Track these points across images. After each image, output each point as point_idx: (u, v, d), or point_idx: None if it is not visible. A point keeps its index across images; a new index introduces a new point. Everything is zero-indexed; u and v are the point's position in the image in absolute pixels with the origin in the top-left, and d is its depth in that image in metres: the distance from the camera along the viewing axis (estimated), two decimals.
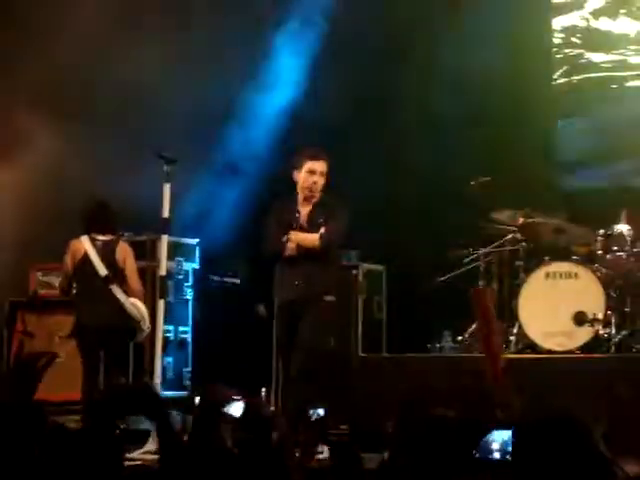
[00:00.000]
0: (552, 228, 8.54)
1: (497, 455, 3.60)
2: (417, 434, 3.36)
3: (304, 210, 7.52)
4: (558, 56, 10.18)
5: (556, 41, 10.20)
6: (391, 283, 9.54)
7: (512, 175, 8.99)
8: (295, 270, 7.40)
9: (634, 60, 9.75)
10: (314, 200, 7.50)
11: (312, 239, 7.38)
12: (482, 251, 8.78)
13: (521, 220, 8.60)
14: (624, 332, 8.07)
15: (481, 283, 8.88)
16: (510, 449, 3.08)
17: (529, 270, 8.40)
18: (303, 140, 8.50)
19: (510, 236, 8.78)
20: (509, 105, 9.37)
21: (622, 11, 9.93)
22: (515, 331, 8.34)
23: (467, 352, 8.41)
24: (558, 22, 10.19)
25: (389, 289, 9.55)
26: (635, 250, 8.12)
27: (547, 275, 8.28)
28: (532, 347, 8.18)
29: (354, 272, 9.25)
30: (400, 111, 9.77)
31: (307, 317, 7.32)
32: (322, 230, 7.38)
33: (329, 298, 7.44)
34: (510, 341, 8.38)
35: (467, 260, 8.78)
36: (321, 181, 7.45)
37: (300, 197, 7.54)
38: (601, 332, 8.08)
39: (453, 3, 9.70)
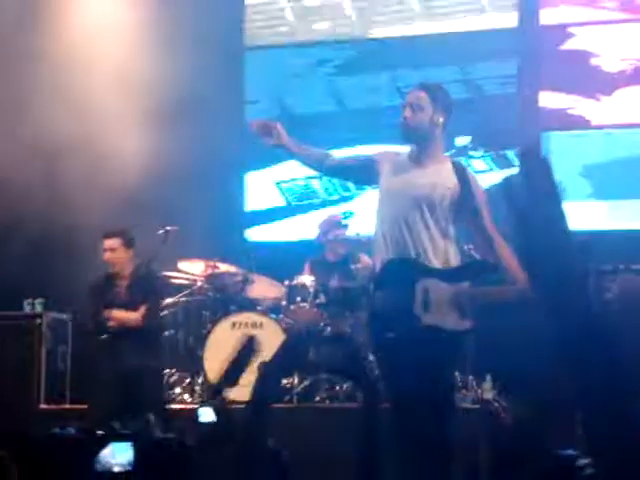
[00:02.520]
0: (239, 278, 8.64)
1: (117, 468, 3.60)
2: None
3: (122, 284, 7.73)
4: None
5: None
6: (77, 333, 9.28)
7: (200, 225, 9.00)
8: (120, 343, 7.58)
9: None
10: (126, 274, 7.69)
11: (135, 319, 7.62)
12: (169, 300, 8.73)
13: (209, 270, 8.65)
14: (306, 382, 8.20)
15: (168, 333, 8.84)
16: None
17: (216, 320, 8.43)
18: None
19: (197, 285, 8.80)
20: (198, 155, 9.38)
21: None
22: (200, 381, 8.33)
23: None
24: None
25: (75, 339, 9.31)
26: (317, 301, 8.29)
27: (233, 325, 8.33)
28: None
29: (38, 321, 8.96)
30: None
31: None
32: (143, 309, 7.60)
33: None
34: (195, 391, 8.35)
35: None
36: (114, 256, 7.65)
37: None
38: (284, 382, 8.18)
39: None
